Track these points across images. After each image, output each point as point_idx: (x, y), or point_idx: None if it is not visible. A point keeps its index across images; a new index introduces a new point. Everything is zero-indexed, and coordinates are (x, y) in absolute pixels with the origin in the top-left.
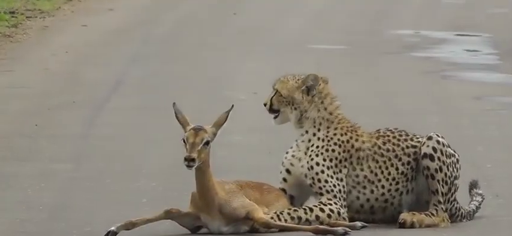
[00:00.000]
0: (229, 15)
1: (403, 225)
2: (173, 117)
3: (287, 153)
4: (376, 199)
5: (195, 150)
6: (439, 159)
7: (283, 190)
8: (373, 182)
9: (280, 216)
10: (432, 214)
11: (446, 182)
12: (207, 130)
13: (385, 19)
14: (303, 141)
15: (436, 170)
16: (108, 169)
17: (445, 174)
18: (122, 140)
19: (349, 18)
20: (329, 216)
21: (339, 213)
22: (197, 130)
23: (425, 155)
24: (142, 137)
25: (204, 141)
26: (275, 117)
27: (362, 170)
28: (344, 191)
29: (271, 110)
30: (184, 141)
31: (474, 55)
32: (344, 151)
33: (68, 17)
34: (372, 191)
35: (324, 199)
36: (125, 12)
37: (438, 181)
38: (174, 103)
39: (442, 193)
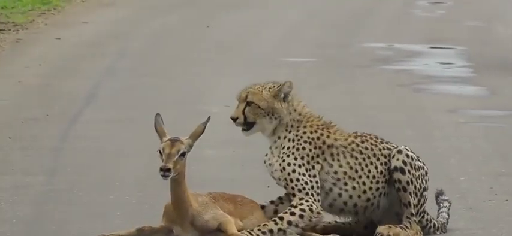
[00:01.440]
0: (203, 29)
1: None
2: (148, 129)
3: (264, 162)
4: (359, 197)
5: (171, 160)
6: (409, 171)
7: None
8: (353, 179)
9: (252, 233)
10: (406, 227)
11: (416, 194)
12: (183, 142)
13: (358, 32)
14: (276, 147)
15: (407, 183)
16: (81, 182)
17: (415, 187)
18: (95, 153)
19: (323, 32)
20: (301, 217)
21: (311, 210)
22: (173, 141)
23: (396, 168)
24: (116, 150)
25: (181, 152)
26: (247, 129)
27: (340, 166)
28: (317, 187)
29: (246, 123)
30: (160, 151)
31: (448, 68)
32: (315, 148)
33: (42, 29)
34: (354, 188)
35: (294, 201)
36: (99, 25)
37: (410, 193)
38: (157, 114)
39: (414, 205)
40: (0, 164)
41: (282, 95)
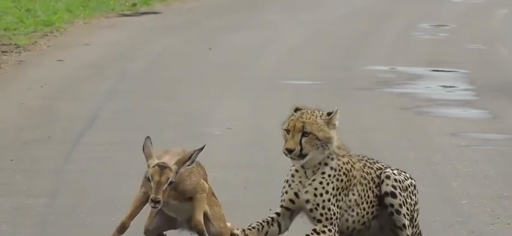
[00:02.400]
0: (205, 51)
1: None
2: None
3: (293, 176)
4: (358, 221)
5: (161, 190)
6: (400, 194)
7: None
8: (358, 205)
9: None
10: None
11: (408, 214)
12: (171, 168)
13: (360, 55)
14: (309, 169)
15: (400, 205)
16: (83, 204)
17: (408, 208)
18: (97, 175)
19: (324, 54)
20: None
21: None
22: (162, 167)
23: (386, 193)
24: (117, 172)
25: (169, 180)
26: (300, 159)
27: (353, 194)
28: (339, 217)
29: (301, 155)
30: (148, 178)
31: (450, 91)
32: (348, 180)
33: (44, 51)
34: (358, 214)
35: (318, 227)
36: (101, 47)
37: (404, 215)
38: (147, 137)
39: (408, 226)
40: (1, 186)
41: (334, 123)
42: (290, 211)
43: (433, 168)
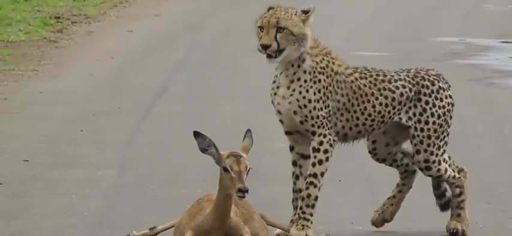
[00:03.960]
0: None
1: (456, 234)
2: (218, 122)
3: (273, 95)
4: (350, 129)
5: (244, 179)
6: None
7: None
8: (348, 111)
9: (305, 213)
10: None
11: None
12: (246, 157)
13: (429, 26)
14: (287, 76)
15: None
16: (152, 176)
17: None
18: (166, 147)
19: (394, 26)
20: (327, 159)
21: (331, 145)
22: (238, 157)
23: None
24: (186, 144)
25: (248, 168)
26: (275, 57)
27: (342, 96)
28: (330, 115)
29: (278, 50)
30: (226, 169)
31: None
32: (327, 77)
33: (114, 22)
34: (348, 120)
35: (315, 142)
36: (170, 17)
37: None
38: (199, 134)
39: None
40: (71, 157)
41: (310, 21)
42: (292, 134)
43: (503, 139)
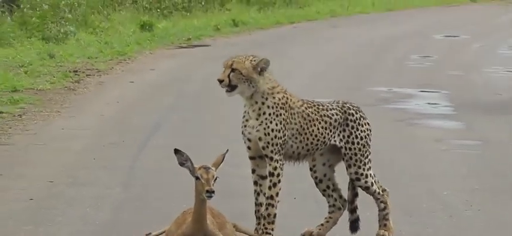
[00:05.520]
0: None
1: None
2: (201, 152)
3: (243, 122)
4: (303, 148)
5: (211, 184)
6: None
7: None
8: (301, 134)
9: (266, 229)
10: (385, 225)
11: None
12: (213, 168)
13: (365, 78)
14: (254, 111)
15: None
16: (150, 193)
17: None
18: (159, 171)
19: (339, 78)
20: (280, 181)
21: (281, 168)
22: (207, 168)
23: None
24: (177, 170)
25: (215, 177)
26: (230, 91)
27: (295, 124)
28: (284, 144)
29: (230, 85)
30: (198, 177)
31: (435, 107)
32: (286, 111)
33: (119, 75)
34: (301, 141)
35: (271, 167)
36: (163, 71)
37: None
38: (179, 152)
39: (372, 190)
40: (86, 179)
41: (259, 68)
42: (255, 159)
43: (421, 167)
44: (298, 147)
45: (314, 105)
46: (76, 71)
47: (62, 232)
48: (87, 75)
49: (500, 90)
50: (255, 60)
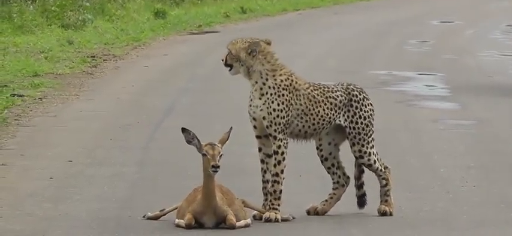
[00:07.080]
0: None
1: (385, 215)
2: (212, 132)
3: (249, 104)
4: (309, 127)
5: (217, 159)
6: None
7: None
8: (306, 115)
9: (273, 205)
10: (386, 201)
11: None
12: (219, 145)
13: (365, 62)
14: (255, 90)
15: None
16: (163, 172)
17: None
18: (173, 151)
19: (340, 62)
20: (284, 158)
21: (286, 146)
22: (213, 145)
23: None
24: (188, 149)
25: (221, 153)
26: (229, 70)
27: (301, 105)
28: (288, 123)
29: (226, 65)
30: (205, 154)
31: (432, 89)
32: (289, 93)
33: (134, 60)
34: (307, 121)
35: (275, 146)
36: (176, 56)
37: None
38: (186, 130)
39: (356, 143)
40: (103, 158)
41: (249, 50)
42: (261, 138)
43: (420, 145)
44: (304, 126)
45: (320, 87)
46: (93, 56)
47: (80, 209)
48: (104, 60)
49: (492, 72)
50: (247, 42)
